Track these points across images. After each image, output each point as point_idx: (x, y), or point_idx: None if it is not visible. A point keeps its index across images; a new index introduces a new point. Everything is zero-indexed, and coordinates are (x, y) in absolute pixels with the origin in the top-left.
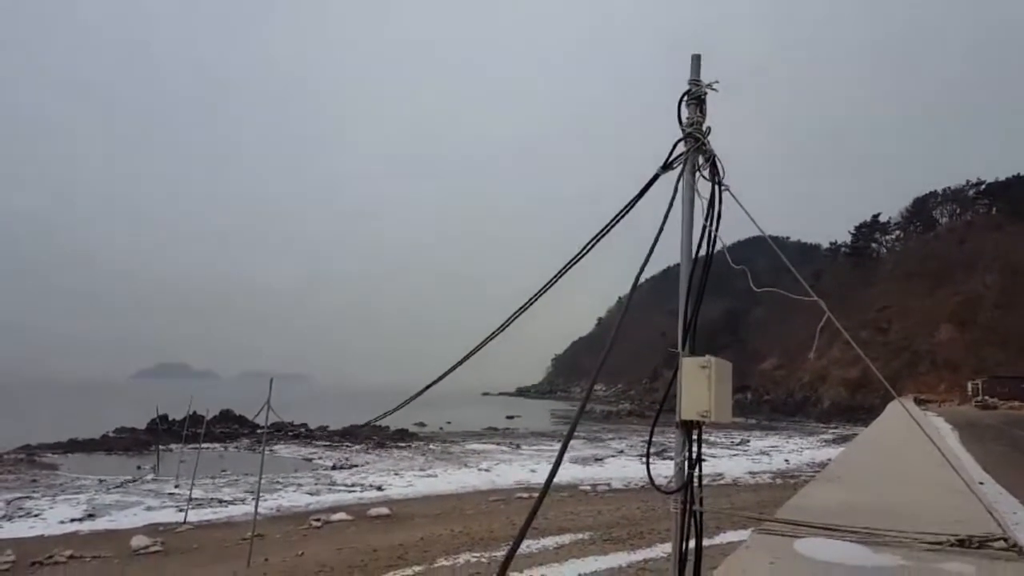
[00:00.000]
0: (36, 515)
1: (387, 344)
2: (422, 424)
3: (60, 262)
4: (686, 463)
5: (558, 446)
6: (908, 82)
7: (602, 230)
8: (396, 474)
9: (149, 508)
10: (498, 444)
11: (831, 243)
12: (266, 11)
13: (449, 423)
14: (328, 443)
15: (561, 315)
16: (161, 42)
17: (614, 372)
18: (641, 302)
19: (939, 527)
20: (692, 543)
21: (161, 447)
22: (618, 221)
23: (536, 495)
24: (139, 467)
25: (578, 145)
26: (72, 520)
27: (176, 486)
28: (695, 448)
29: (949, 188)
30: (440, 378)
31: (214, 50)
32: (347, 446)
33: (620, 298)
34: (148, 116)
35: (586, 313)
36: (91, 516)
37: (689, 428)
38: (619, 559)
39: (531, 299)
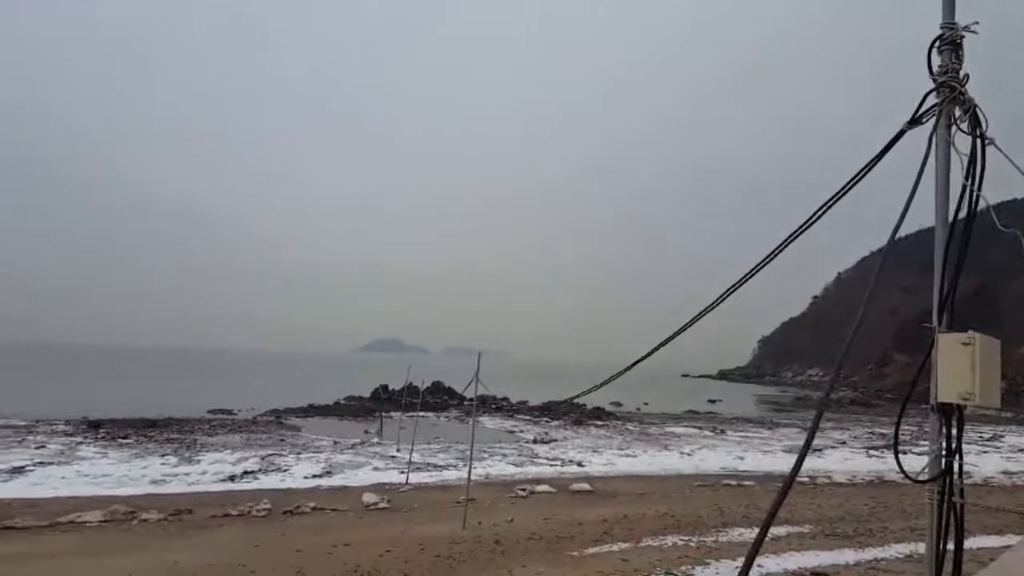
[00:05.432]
0: (285, 470)
1: (583, 323)
2: (618, 404)
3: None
4: (943, 450)
5: (767, 433)
6: None
7: (833, 197)
8: (595, 451)
9: (376, 468)
10: (700, 428)
11: None
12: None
13: (646, 404)
14: (528, 417)
15: (770, 294)
16: None
17: (833, 357)
18: (866, 278)
19: None
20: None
21: (383, 414)
22: (853, 186)
23: (744, 483)
24: (366, 431)
25: None
26: (313, 476)
27: (397, 450)
28: (955, 434)
29: None
30: (646, 356)
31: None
32: (546, 421)
33: (839, 274)
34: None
35: (798, 292)
36: (328, 473)
37: (947, 412)
38: (845, 556)
39: (748, 274)
